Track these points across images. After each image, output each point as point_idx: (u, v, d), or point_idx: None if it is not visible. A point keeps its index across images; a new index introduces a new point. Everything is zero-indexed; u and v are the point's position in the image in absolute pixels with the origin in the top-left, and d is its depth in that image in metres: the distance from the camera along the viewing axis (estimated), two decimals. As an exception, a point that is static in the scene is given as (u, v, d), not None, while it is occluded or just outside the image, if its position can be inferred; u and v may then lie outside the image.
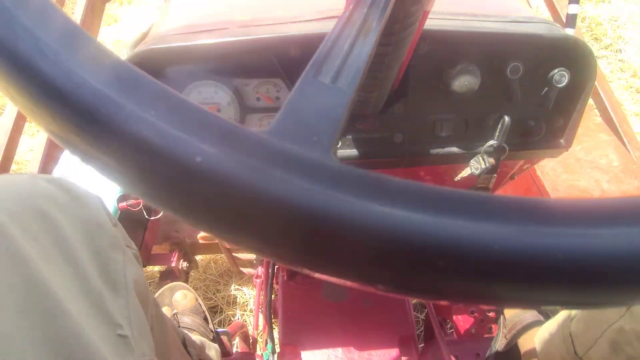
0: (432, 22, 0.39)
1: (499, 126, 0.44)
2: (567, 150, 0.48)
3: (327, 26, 0.39)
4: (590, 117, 1.11)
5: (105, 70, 0.13)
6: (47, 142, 1.08)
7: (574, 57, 0.41)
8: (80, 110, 0.13)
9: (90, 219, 0.37)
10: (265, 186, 0.12)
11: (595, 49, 2.29)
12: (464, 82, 0.41)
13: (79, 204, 0.37)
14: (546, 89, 0.43)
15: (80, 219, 0.36)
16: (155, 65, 0.40)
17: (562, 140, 0.47)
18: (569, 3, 0.47)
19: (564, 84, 0.42)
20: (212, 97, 0.43)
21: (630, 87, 2.11)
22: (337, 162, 0.13)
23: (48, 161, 1.08)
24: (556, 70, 0.41)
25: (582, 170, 0.98)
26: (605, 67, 2.20)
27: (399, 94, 0.43)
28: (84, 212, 0.37)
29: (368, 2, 0.19)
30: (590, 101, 1.31)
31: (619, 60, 2.22)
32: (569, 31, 0.47)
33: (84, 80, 0.13)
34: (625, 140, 1.17)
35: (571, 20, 0.47)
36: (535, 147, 0.47)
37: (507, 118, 0.43)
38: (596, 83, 1.25)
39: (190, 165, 0.12)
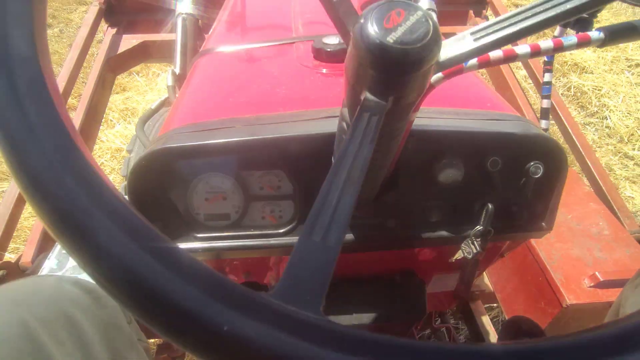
0: (418, 122, 0.44)
1: (484, 212, 0.47)
2: (549, 232, 0.51)
3: (324, 126, 0.44)
4: (579, 186, 1.14)
5: (160, 257, 0.18)
6: None
7: (546, 152, 0.46)
8: (127, 283, 0.17)
9: (109, 320, 0.41)
10: (273, 346, 0.16)
11: (581, 116, 2.40)
12: (449, 174, 0.44)
13: (99, 305, 0.41)
14: (524, 179, 0.46)
15: (100, 321, 0.40)
16: (169, 161, 0.44)
17: (543, 223, 0.51)
18: (542, 98, 0.52)
19: (539, 175, 0.45)
20: (219, 186, 0.46)
21: (619, 152, 2.17)
22: (323, 319, 0.18)
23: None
24: (532, 163, 0.46)
25: (574, 238, 1.00)
26: (593, 133, 2.29)
27: (391, 184, 0.47)
28: (104, 313, 0.41)
29: (353, 151, 0.22)
30: (580, 170, 1.36)
31: (606, 127, 2.31)
32: (544, 123, 0.52)
33: (141, 264, 0.17)
34: (615, 207, 1.20)
35: (545, 113, 0.52)
36: (518, 230, 0.50)
37: (490, 205, 0.47)
38: (583, 153, 1.31)
39: (220, 332, 0.17)
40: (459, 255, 0.50)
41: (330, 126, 0.43)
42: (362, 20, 0.25)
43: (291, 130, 0.43)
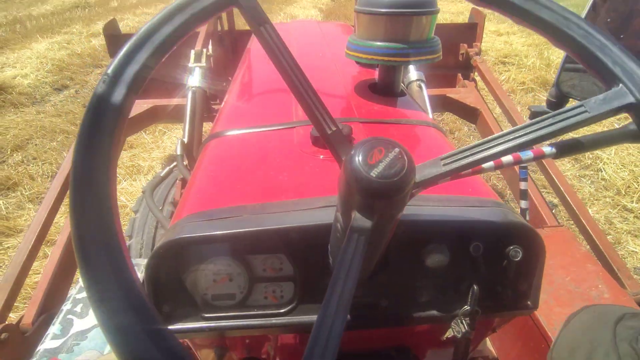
0: (405, 210, 0.48)
1: (470, 293, 0.50)
2: (536, 310, 0.53)
3: (321, 216, 0.48)
4: (575, 247, 1.15)
5: None
6: (52, 275, 1.15)
7: (523, 237, 0.49)
8: None
9: None
10: None
11: (576, 168, 2.44)
12: (435, 259, 0.48)
13: None
14: (505, 261, 0.50)
15: None
16: (180, 247, 0.48)
17: (529, 302, 0.53)
18: (520, 181, 0.56)
19: (519, 258, 0.49)
20: (225, 268, 0.50)
21: (617, 205, 2.18)
22: None
23: (54, 289, 1.14)
24: (511, 247, 0.49)
25: (574, 302, 1.00)
26: (589, 186, 2.32)
27: (382, 266, 0.50)
28: None
29: (343, 276, 0.26)
30: (575, 229, 1.38)
31: (601, 179, 2.35)
32: (523, 203, 0.56)
33: None
34: (614, 268, 1.20)
35: (524, 194, 0.56)
36: (505, 309, 0.53)
37: (475, 287, 0.50)
38: (577, 212, 1.33)
39: None
40: (449, 333, 0.52)
41: (327, 216, 0.47)
42: (352, 152, 0.30)
43: (292, 221, 0.47)
